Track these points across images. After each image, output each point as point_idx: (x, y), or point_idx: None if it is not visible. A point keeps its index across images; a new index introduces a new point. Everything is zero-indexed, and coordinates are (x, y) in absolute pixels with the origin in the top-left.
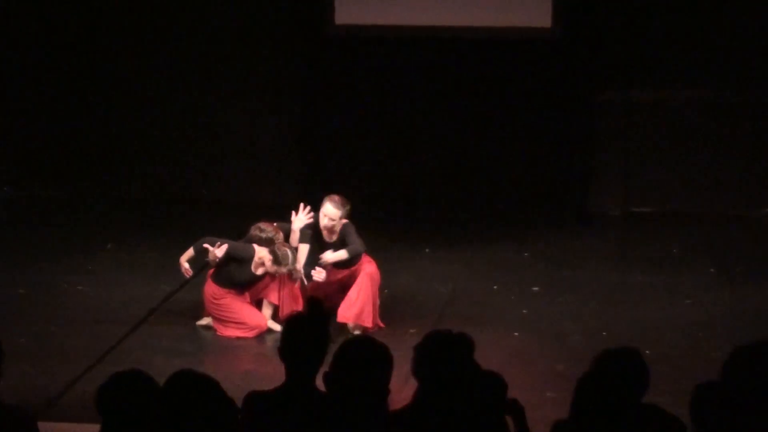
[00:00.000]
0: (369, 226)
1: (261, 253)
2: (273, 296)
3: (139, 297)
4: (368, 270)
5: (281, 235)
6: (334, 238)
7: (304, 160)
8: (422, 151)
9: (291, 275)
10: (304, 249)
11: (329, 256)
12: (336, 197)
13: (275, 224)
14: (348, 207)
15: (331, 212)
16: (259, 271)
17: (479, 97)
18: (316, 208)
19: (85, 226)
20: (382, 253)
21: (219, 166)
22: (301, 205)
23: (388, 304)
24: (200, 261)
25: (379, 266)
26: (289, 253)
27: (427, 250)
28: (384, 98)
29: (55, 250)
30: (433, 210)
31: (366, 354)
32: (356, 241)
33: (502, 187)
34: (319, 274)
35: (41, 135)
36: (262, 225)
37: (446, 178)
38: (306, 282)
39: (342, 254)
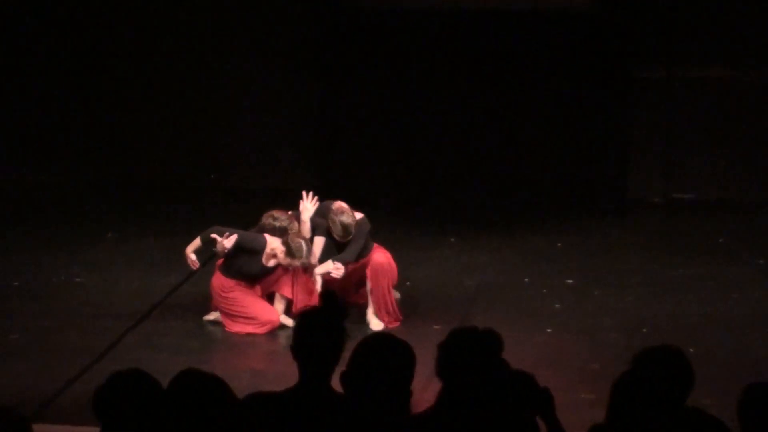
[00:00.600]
0: (389, 214)
1: (273, 243)
2: (286, 290)
3: (142, 290)
4: (378, 260)
5: (296, 225)
6: (348, 237)
7: (319, 143)
8: (446, 133)
9: (305, 269)
10: (319, 242)
11: (318, 269)
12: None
13: (290, 213)
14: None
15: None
16: (271, 263)
17: (510, 76)
18: (330, 194)
19: (83, 213)
20: (403, 243)
21: (228, 149)
22: (304, 193)
23: (410, 298)
24: (207, 252)
25: (402, 257)
26: (304, 245)
27: (452, 239)
28: (406, 78)
29: (51, 240)
30: (459, 197)
31: (386, 352)
32: (352, 249)
33: (534, 172)
34: (337, 270)
35: (31, 113)
36: (276, 213)
37: (473, 162)
38: (318, 281)
39: (328, 265)
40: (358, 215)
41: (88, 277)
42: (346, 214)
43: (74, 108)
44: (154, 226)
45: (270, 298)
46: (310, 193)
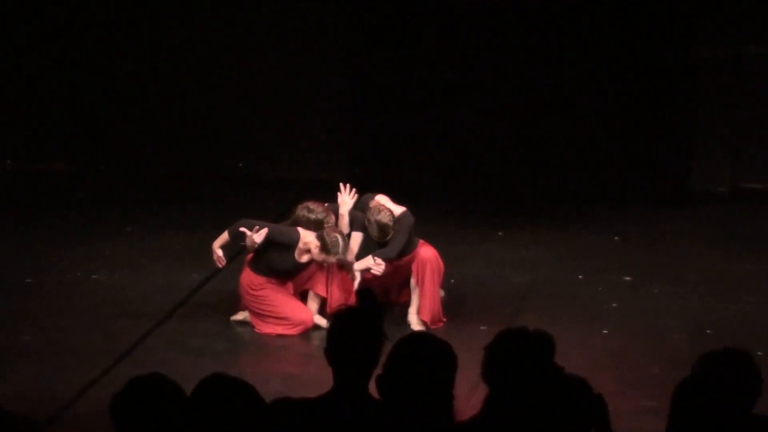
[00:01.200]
0: (431, 205)
1: (307, 237)
2: (320, 288)
3: (164, 287)
4: (426, 255)
5: (333, 218)
6: (386, 238)
7: (355, 130)
8: (492, 118)
9: (341, 266)
10: (357, 238)
11: (357, 265)
12: (382, 208)
13: (326, 205)
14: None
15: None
16: (304, 259)
17: (563, 58)
18: (367, 184)
19: (102, 204)
20: (447, 237)
21: (257, 136)
22: (341, 185)
23: (455, 296)
24: (236, 247)
25: (445, 252)
26: (340, 239)
27: (500, 233)
28: (450, 59)
29: (67, 233)
30: (507, 187)
31: (426, 353)
32: (394, 245)
33: (588, 160)
34: (378, 267)
35: (48, 99)
36: (311, 205)
37: (522, 150)
38: (357, 277)
39: (368, 260)
40: (400, 209)
41: (106, 273)
42: (383, 212)
43: (91, 93)
44: (177, 219)
45: (303, 297)
46: (348, 186)
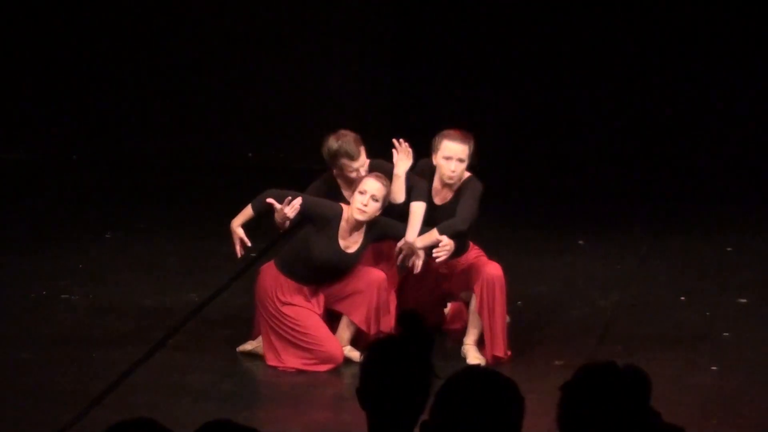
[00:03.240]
0: (490, 207)
1: (349, 208)
2: (358, 315)
3: (154, 310)
4: (493, 272)
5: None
6: (449, 196)
7: (392, 114)
8: (572, 98)
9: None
10: (417, 209)
11: (419, 241)
12: (458, 133)
13: (368, 162)
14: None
15: (456, 151)
16: (351, 248)
17: (657, 31)
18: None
19: (74, 203)
20: (513, 247)
21: (269, 121)
22: (394, 140)
23: (522, 322)
24: (265, 228)
25: (509, 266)
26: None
27: (580, 242)
28: (515, 35)
29: (29, 240)
30: (589, 184)
31: (484, 395)
32: (464, 213)
33: (692, 151)
34: (444, 248)
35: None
36: (343, 134)
37: (608, 138)
38: (420, 260)
39: (432, 235)
40: (467, 173)
41: (80, 291)
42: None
43: (56, 65)
44: (170, 222)
45: (330, 317)
46: (403, 142)
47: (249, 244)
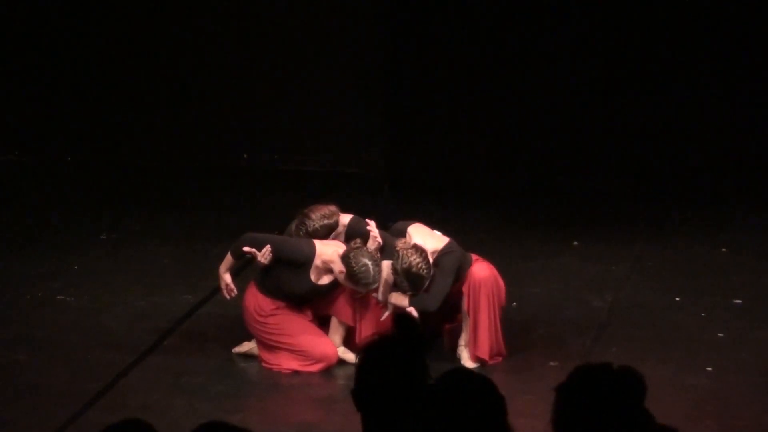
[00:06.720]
0: (487, 209)
1: (325, 253)
2: (345, 314)
3: (148, 312)
4: (480, 275)
5: (342, 223)
6: (421, 289)
7: (388, 114)
8: (567, 101)
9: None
10: (388, 267)
11: (392, 298)
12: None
13: (350, 219)
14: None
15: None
16: (324, 281)
17: (651, 34)
18: (402, 182)
19: (68, 205)
20: (506, 249)
21: (267, 122)
22: (367, 221)
23: (517, 323)
24: (243, 269)
25: (505, 268)
26: (371, 265)
27: (575, 243)
28: (511, 35)
29: (24, 241)
30: (582, 184)
31: (471, 396)
32: (436, 291)
33: (688, 150)
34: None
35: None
36: (314, 211)
37: (601, 139)
38: (389, 307)
39: (403, 302)
40: (442, 242)
41: (75, 293)
42: (413, 257)
43: (50, 67)
44: (164, 224)
45: (323, 321)
46: (371, 223)
47: (236, 292)
